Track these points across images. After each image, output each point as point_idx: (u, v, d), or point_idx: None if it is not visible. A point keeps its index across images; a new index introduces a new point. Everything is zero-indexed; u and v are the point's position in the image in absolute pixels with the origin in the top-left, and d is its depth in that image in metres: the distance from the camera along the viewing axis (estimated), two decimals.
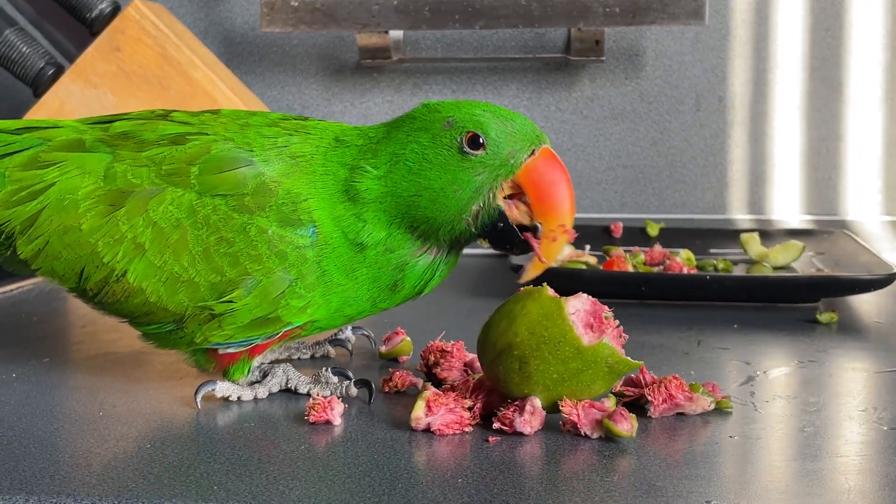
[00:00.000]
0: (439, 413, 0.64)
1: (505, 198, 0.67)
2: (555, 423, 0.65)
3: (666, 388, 0.67)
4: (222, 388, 0.71)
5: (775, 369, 0.79)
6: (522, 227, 0.67)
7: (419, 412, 0.64)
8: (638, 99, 1.38)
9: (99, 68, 1.21)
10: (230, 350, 0.70)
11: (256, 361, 0.72)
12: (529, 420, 0.63)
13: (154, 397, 0.72)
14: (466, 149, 0.66)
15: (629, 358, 0.64)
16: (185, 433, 0.65)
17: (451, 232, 0.68)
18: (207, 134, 0.70)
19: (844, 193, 1.36)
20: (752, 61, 1.36)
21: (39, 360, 0.82)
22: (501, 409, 0.64)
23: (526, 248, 0.67)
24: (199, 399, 0.69)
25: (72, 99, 1.21)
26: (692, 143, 1.37)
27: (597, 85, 1.38)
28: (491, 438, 0.63)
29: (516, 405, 0.64)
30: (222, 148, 0.69)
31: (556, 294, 0.65)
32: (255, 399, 0.71)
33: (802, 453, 0.62)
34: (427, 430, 0.64)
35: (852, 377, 0.78)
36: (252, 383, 0.72)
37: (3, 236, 0.71)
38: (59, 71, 1.23)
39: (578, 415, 0.63)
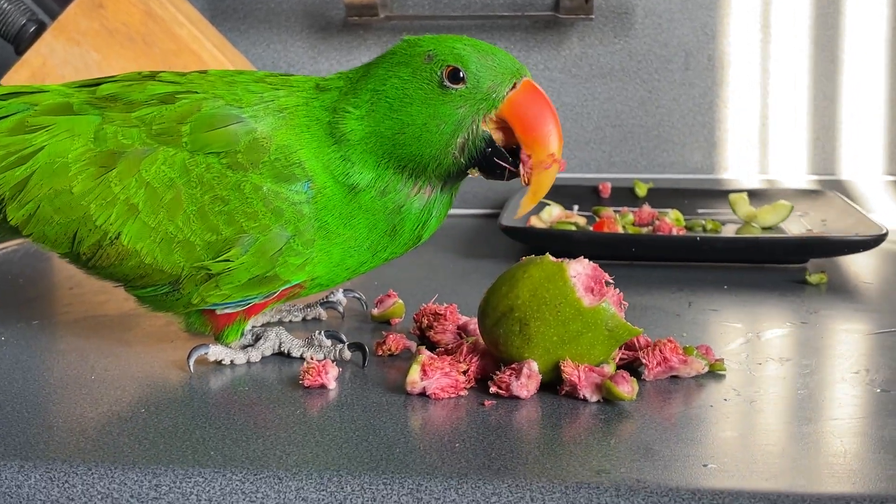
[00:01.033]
0: (435, 377, 0.64)
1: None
2: (552, 388, 0.65)
3: (660, 351, 0.67)
4: (215, 352, 0.70)
5: (767, 331, 0.79)
6: (510, 151, 0.67)
7: (415, 376, 0.64)
8: (627, 58, 1.36)
9: (82, 25, 1.19)
10: (227, 310, 0.70)
11: (249, 325, 0.72)
12: (526, 384, 0.63)
13: (146, 361, 0.72)
14: (447, 83, 0.66)
15: (630, 324, 0.64)
16: (179, 397, 0.65)
17: (439, 167, 0.67)
18: (196, 92, 0.69)
19: (839, 153, 1.36)
20: (742, 20, 1.35)
21: (28, 323, 0.81)
22: (498, 372, 0.64)
23: (517, 171, 0.66)
24: (191, 363, 0.69)
25: (54, 56, 1.19)
26: (681, 102, 1.36)
27: (585, 43, 1.37)
28: (487, 402, 0.63)
29: (513, 368, 0.64)
30: (212, 105, 0.68)
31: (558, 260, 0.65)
32: (248, 362, 0.71)
33: (797, 416, 0.62)
34: (422, 394, 0.64)
35: (844, 339, 0.78)
36: (244, 347, 0.72)
37: None
38: (42, 28, 1.20)
39: (579, 376, 0.63)
